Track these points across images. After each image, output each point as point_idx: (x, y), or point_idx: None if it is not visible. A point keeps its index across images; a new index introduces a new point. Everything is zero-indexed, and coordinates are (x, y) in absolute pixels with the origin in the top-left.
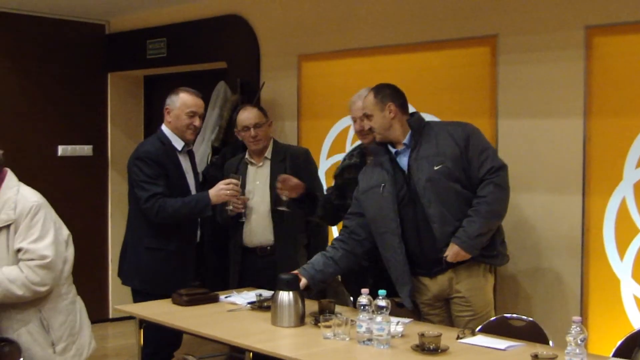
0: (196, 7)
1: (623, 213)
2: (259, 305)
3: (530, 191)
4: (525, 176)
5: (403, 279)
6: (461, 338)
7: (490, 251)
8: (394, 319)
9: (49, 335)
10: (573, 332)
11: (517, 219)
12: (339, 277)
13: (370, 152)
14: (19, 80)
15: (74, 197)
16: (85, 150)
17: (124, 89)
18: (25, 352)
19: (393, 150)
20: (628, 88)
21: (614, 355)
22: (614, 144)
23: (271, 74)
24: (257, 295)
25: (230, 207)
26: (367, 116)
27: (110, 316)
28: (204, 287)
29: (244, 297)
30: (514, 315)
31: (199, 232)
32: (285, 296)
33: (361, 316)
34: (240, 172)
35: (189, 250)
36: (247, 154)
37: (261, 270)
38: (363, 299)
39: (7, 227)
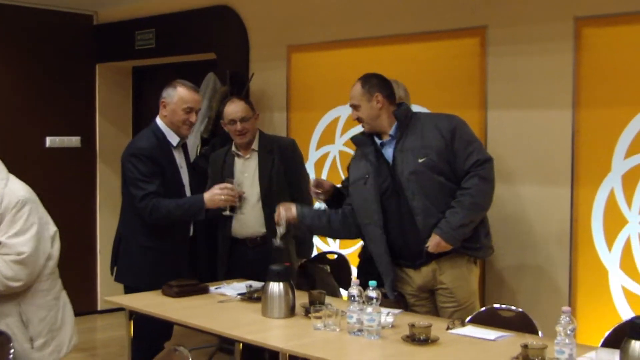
0: None
1: (611, 204)
2: (249, 297)
3: (519, 183)
4: (514, 168)
5: (385, 270)
6: (451, 329)
7: (473, 243)
8: (384, 310)
9: (28, 330)
10: (562, 322)
11: (506, 211)
12: (328, 267)
13: (356, 143)
14: (6, 71)
15: (62, 189)
16: (74, 141)
17: (113, 80)
18: None
19: (379, 141)
20: (617, 79)
21: (603, 345)
22: (603, 135)
23: (260, 65)
24: (247, 287)
25: (227, 213)
26: (355, 107)
27: (99, 308)
28: (195, 279)
29: (234, 288)
30: (503, 305)
31: (191, 227)
32: (276, 287)
33: (351, 307)
34: (227, 164)
35: (184, 248)
36: (233, 146)
37: (251, 261)
38: (353, 290)
39: None
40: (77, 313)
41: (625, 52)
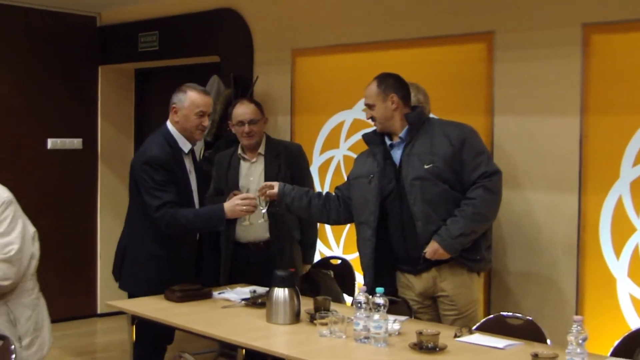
0: (189, 0)
1: (619, 212)
2: (253, 302)
3: (526, 189)
4: (520, 174)
5: (367, 271)
6: (459, 336)
7: (473, 255)
8: (391, 317)
9: (16, 329)
10: (574, 331)
11: (513, 218)
12: (332, 273)
13: (366, 141)
14: (9, 73)
15: (63, 191)
16: (75, 143)
17: (115, 82)
18: None
19: (389, 142)
20: (625, 86)
21: (612, 354)
22: (611, 142)
23: (265, 68)
24: (251, 292)
25: (247, 222)
26: (369, 106)
27: (99, 311)
28: (198, 283)
29: (238, 293)
30: (511, 313)
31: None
32: (281, 293)
33: (358, 314)
34: (233, 167)
35: (192, 255)
36: (239, 148)
37: (254, 265)
38: (360, 296)
39: None
40: (77, 316)
41: (634, 58)
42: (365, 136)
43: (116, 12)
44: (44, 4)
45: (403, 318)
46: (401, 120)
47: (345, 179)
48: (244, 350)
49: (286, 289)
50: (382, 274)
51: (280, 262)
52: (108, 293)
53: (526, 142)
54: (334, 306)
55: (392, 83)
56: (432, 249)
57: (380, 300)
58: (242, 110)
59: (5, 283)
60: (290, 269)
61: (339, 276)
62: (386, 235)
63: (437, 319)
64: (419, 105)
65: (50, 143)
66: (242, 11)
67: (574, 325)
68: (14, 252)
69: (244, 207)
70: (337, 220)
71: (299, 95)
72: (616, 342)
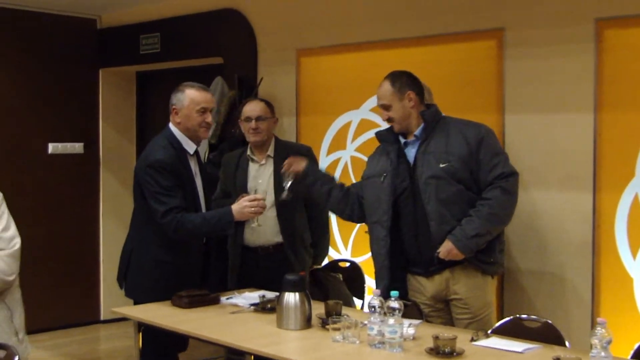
0: (191, 1)
1: (636, 210)
2: (263, 307)
3: (539, 188)
4: (533, 173)
5: (381, 273)
6: (475, 340)
7: (487, 257)
8: (406, 321)
9: (13, 324)
10: (598, 334)
11: (526, 217)
12: (340, 276)
13: (379, 139)
14: (9, 76)
15: (65, 196)
16: (76, 148)
17: (116, 85)
18: None
19: (403, 140)
20: None
21: (633, 357)
22: (626, 139)
23: (269, 69)
24: (260, 297)
25: (255, 224)
26: (385, 107)
27: (102, 317)
28: (205, 288)
29: (246, 298)
30: (528, 316)
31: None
32: (292, 297)
33: (372, 318)
34: (241, 168)
35: (198, 260)
36: (248, 150)
37: (262, 270)
38: (374, 301)
39: None
40: (80, 323)
41: None
42: (378, 134)
43: (117, 14)
44: (44, 7)
45: (417, 322)
46: (417, 118)
47: (353, 180)
48: (252, 357)
49: (297, 294)
50: (393, 277)
51: (293, 266)
52: (111, 299)
53: (538, 140)
54: (345, 310)
55: (406, 80)
56: (446, 249)
57: (395, 304)
58: (251, 107)
59: (11, 278)
60: (300, 272)
61: (348, 279)
62: (398, 235)
63: (449, 322)
64: (432, 103)
65: (51, 148)
66: (245, 11)
67: (597, 328)
68: (19, 245)
69: (253, 209)
70: (350, 217)
71: (305, 96)
72: (637, 345)
